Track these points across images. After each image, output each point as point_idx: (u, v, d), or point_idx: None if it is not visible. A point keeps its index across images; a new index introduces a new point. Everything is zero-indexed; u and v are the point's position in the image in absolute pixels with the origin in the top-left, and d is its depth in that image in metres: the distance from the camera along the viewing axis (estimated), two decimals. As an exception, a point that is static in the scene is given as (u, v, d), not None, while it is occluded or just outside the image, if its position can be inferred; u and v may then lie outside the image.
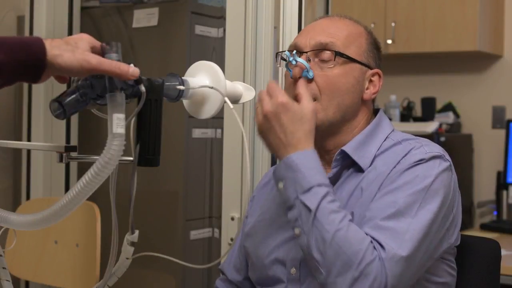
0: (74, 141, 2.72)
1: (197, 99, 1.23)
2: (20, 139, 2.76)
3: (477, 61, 3.70)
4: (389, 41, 3.59)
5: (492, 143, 3.63)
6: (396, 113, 3.69)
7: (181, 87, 1.18)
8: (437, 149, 1.38)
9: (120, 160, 1.07)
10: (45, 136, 2.69)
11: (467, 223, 3.48)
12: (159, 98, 1.12)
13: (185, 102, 1.26)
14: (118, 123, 1.04)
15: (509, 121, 3.41)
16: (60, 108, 1.08)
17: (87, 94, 1.08)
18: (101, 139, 2.91)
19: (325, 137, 1.43)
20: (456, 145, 3.55)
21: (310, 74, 1.39)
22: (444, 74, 3.82)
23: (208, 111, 1.23)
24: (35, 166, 2.71)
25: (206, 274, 2.59)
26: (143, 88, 1.08)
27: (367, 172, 1.39)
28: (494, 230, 3.21)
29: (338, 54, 1.39)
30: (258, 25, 2.09)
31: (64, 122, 2.70)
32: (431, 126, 3.44)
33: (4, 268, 1.30)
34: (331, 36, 1.41)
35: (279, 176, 1.31)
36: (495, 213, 3.48)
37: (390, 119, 3.67)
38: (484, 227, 3.30)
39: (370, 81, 1.45)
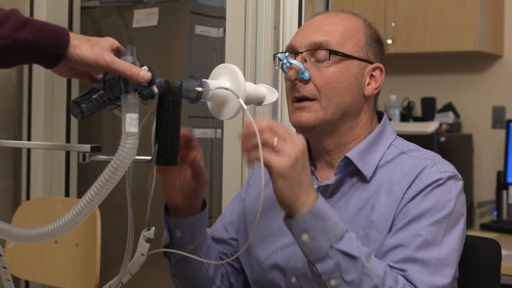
0: (74, 141, 2.72)
1: (218, 101, 1.26)
2: (20, 139, 2.76)
3: (477, 61, 3.71)
4: (389, 41, 3.59)
5: (492, 143, 3.64)
6: (396, 113, 3.69)
7: (199, 89, 1.21)
8: (449, 167, 1.36)
9: (138, 159, 1.12)
10: (45, 135, 2.69)
11: (467, 223, 3.47)
12: (176, 100, 1.16)
13: (208, 103, 1.29)
14: (131, 123, 1.07)
15: (509, 121, 3.41)
16: (78, 108, 1.11)
17: (105, 96, 1.12)
18: (102, 139, 2.91)
19: (325, 136, 1.40)
20: (456, 145, 3.55)
21: (306, 75, 1.36)
22: (444, 74, 3.82)
23: (228, 113, 1.26)
24: (35, 166, 2.71)
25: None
26: (155, 89, 1.12)
27: (376, 187, 1.36)
28: (494, 230, 3.21)
29: (332, 52, 1.36)
30: (258, 25, 2.10)
31: (64, 121, 2.70)
32: (431, 126, 3.44)
33: (4, 267, 1.30)
34: (325, 34, 1.38)
35: (302, 228, 1.18)
36: (495, 213, 3.49)
37: (390, 119, 3.69)
38: (484, 227, 3.30)
39: (371, 76, 1.41)
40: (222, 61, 2.14)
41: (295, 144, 1.17)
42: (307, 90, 1.36)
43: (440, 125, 3.50)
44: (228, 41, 2.16)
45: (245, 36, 2.11)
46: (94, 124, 2.76)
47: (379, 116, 1.47)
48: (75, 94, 2.69)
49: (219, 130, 2.56)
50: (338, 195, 1.39)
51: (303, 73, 1.36)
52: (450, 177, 1.33)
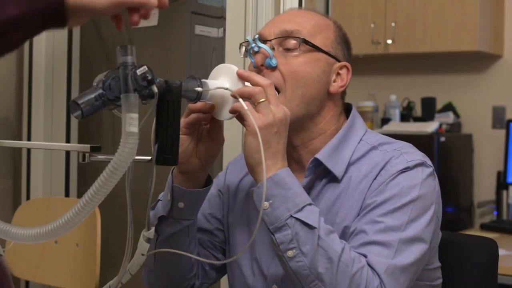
0: (74, 141, 2.73)
1: (217, 101, 1.27)
2: (20, 139, 2.76)
3: (477, 61, 3.71)
4: (389, 41, 3.59)
5: (492, 143, 3.64)
6: (396, 113, 3.70)
7: (199, 89, 1.21)
8: (417, 156, 1.33)
9: (138, 159, 1.11)
10: (45, 135, 2.69)
11: (467, 223, 3.49)
12: (176, 100, 1.17)
13: (207, 103, 1.29)
14: (131, 122, 1.06)
15: (509, 121, 3.41)
16: (78, 109, 1.10)
17: (104, 96, 1.11)
18: (102, 139, 2.90)
19: (290, 131, 1.33)
20: (456, 145, 3.55)
21: (273, 62, 1.33)
22: (444, 74, 3.82)
23: (228, 113, 1.26)
24: (35, 166, 2.71)
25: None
26: (155, 89, 1.11)
27: (345, 184, 1.34)
28: (494, 230, 3.22)
29: (303, 41, 1.34)
30: (258, 25, 2.10)
31: (64, 121, 2.70)
32: (431, 126, 3.44)
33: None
34: (297, 24, 1.36)
35: (265, 196, 1.19)
36: (495, 213, 3.49)
37: (390, 119, 3.69)
38: (484, 227, 3.30)
39: (338, 74, 1.39)
40: (222, 61, 2.14)
41: (278, 110, 1.22)
42: (273, 78, 1.32)
43: (440, 125, 3.51)
44: (228, 41, 2.16)
45: (245, 36, 2.11)
46: (94, 124, 2.76)
47: (349, 110, 1.44)
48: (75, 94, 2.69)
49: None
50: (311, 197, 1.33)
51: (270, 59, 1.33)
52: (417, 165, 1.31)
